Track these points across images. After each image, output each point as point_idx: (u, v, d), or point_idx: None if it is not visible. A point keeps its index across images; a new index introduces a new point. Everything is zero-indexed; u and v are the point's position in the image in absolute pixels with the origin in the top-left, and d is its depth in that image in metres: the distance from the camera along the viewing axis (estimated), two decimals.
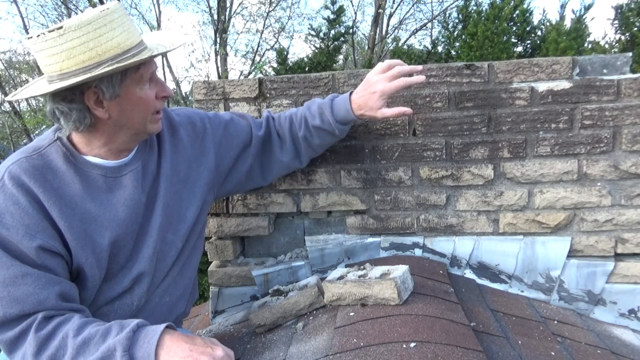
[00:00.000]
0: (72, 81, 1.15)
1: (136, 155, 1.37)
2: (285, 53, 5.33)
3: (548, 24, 4.78)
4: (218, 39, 10.72)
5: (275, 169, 1.69)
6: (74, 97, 1.20)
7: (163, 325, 1.17)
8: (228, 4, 11.40)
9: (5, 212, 1.17)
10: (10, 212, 1.17)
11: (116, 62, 1.17)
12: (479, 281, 1.81)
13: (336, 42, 5.35)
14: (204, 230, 1.62)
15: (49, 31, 1.14)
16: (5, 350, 1.19)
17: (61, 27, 1.13)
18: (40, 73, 1.27)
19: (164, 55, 1.30)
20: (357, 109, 1.51)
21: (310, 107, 1.60)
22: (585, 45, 4.57)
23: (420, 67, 1.54)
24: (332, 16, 5.34)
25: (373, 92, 1.48)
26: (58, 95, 1.20)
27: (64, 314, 1.19)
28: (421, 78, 1.50)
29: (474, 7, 5.14)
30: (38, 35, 1.16)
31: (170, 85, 11.42)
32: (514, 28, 4.72)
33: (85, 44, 1.15)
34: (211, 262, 1.95)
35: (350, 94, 1.55)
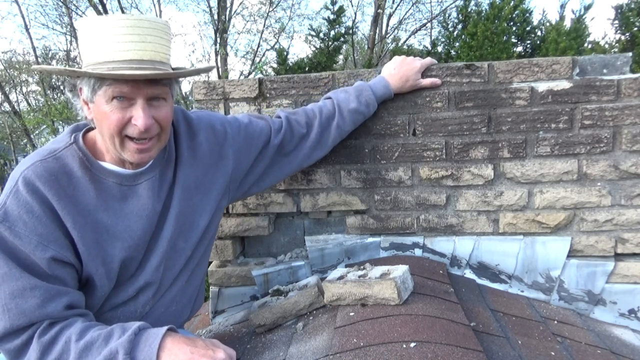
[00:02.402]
0: (58, 68, 1.25)
1: (153, 164, 1.34)
2: (285, 53, 5.32)
3: (548, 24, 4.77)
4: (218, 39, 10.73)
5: (292, 166, 1.67)
6: (73, 89, 1.25)
7: (165, 328, 1.16)
8: (228, 4, 11.42)
9: (18, 220, 1.15)
10: (24, 221, 1.15)
11: (91, 68, 1.17)
12: (479, 281, 1.81)
13: (336, 43, 5.35)
14: (214, 236, 1.60)
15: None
16: (10, 359, 1.19)
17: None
18: (42, 73, 1.31)
19: (129, 77, 1.17)
20: (397, 82, 1.72)
21: (337, 96, 1.70)
22: (585, 45, 4.56)
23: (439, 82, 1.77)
24: (332, 16, 5.34)
25: (414, 66, 1.73)
26: (68, 86, 1.28)
27: (68, 319, 1.19)
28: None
29: (474, 7, 5.13)
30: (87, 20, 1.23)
31: None
32: (514, 28, 4.71)
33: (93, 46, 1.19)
34: (211, 262, 1.95)
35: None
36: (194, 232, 1.42)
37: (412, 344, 1.14)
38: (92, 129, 1.32)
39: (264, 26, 12.39)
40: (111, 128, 1.19)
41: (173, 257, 1.39)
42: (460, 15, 5.29)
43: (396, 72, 1.73)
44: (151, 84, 1.20)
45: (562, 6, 4.78)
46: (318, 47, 5.37)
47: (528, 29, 4.77)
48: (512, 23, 4.69)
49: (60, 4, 11.14)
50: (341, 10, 5.41)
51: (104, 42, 1.16)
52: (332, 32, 5.32)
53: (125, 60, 1.16)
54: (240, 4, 12.54)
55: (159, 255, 1.35)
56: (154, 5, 12.01)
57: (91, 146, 1.29)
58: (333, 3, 5.35)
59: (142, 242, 1.31)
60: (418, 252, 1.84)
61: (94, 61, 1.17)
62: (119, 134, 1.20)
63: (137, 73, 1.16)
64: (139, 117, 1.19)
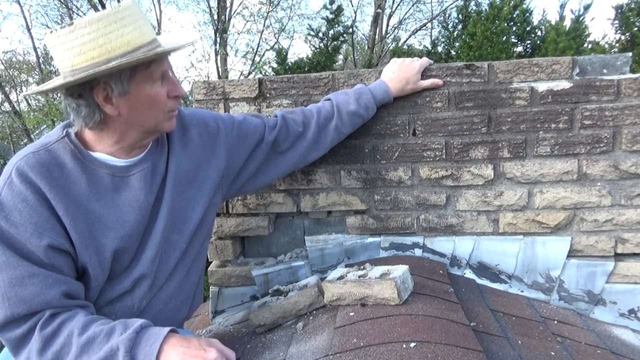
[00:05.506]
0: (80, 76, 1.15)
1: (147, 156, 1.36)
2: (285, 53, 5.33)
3: (547, 24, 4.77)
4: (218, 39, 10.73)
5: (288, 165, 1.67)
6: (83, 93, 1.20)
7: (167, 330, 1.16)
8: (228, 4, 11.42)
9: (13, 209, 1.17)
10: (19, 210, 1.17)
11: (125, 59, 1.17)
12: (479, 281, 1.81)
13: (335, 42, 5.35)
14: (210, 233, 1.60)
15: (61, 27, 1.16)
16: (11, 349, 1.19)
17: (72, 24, 1.15)
18: (42, 73, 1.28)
19: (173, 51, 1.30)
20: (398, 85, 1.73)
21: (336, 98, 1.70)
22: (585, 45, 4.57)
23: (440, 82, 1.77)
24: (330, 16, 5.35)
25: (412, 67, 1.73)
26: (68, 91, 1.20)
27: (70, 309, 1.20)
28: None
29: (474, 7, 5.14)
30: (51, 32, 1.17)
31: None
32: (514, 28, 4.72)
33: (94, 41, 1.15)
34: (211, 262, 1.95)
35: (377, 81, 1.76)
36: (187, 226, 1.43)
37: (412, 344, 1.14)
38: None
39: (264, 26, 12.41)
40: (159, 106, 1.27)
41: (167, 251, 1.40)
42: (460, 15, 5.29)
43: (396, 75, 1.73)
44: (166, 59, 1.29)
45: (562, 6, 4.78)
46: (317, 46, 5.37)
47: (528, 29, 4.78)
48: (512, 23, 4.70)
49: (61, 2, 11.14)
50: (340, 9, 5.42)
51: (118, 33, 1.17)
52: (331, 32, 5.33)
53: (149, 42, 1.23)
54: (240, 4, 12.54)
55: (154, 247, 1.35)
56: (154, 5, 12.01)
57: (83, 139, 1.31)
58: (332, 2, 5.36)
59: (135, 232, 1.32)
60: (418, 252, 1.84)
61: (117, 53, 1.17)
62: (164, 110, 1.29)
63: (169, 47, 1.25)
64: (176, 86, 1.31)
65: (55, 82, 1.22)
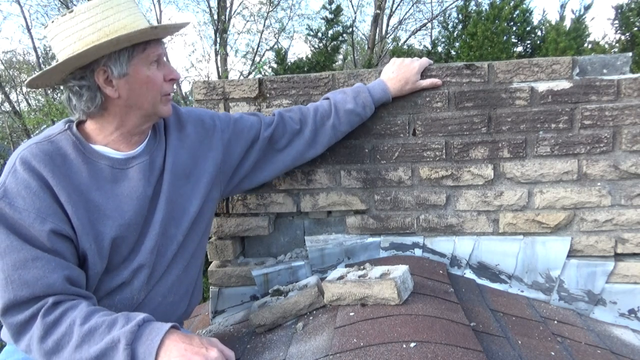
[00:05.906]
0: (81, 51, 1.20)
1: (145, 149, 1.41)
2: (284, 53, 5.33)
3: (548, 24, 4.77)
4: (218, 39, 10.73)
5: (285, 162, 1.70)
6: (84, 75, 1.26)
7: (169, 325, 1.17)
8: (228, 4, 11.42)
9: (17, 196, 1.20)
10: (22, 196, 1.20)
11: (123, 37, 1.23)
12: (479, 281, 1.81)
13: (335, 42, 5.35)
14: (208, 230, 1.62)
15: (62, 15, 1.23)
16: (13, 334, 1.21)
17: (72, 11, 1.23)
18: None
19: (167, 31, 1.37)
20: (396, 85, 1.73)
21: (334, 96, 1.71)
22: (585, 45, 4.56)
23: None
24: (330, 16, 5.35)
25: (412, 67, 1.73)
26: (70, 75, 1.27)
27: (73, 299, 1.22)
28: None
29: (474, 7, 5.14)
30: (53, 21, 1.24)
31: None
32: (514, 28, 4.71)
33: (93, 25, 1.22)
34: (211, 262, 1.95)
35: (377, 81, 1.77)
36: (184, 219, 1.46)
37: (412, 344, 1.14)
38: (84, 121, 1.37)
39: (264, 26, 12.40)
40: (157, 88, 1.33)
41: (165, 243, 1.43)
42: (460, 15, 5.29)
43: (395, 75, 1.74)
44: (161, 44, 1.36)
45: (562, 6, 4.78)
46: (317, 46, 5.37)
47: (528, 29, 4.77)
48: (512, 23, 4.69)
49: (61, 2, 11.13)
50: (339, 9, 5.42)
51: (114, 17, 1.24)
52: (330, 32, 5.33)
53: (145, 28, 1.28)
54: (240, 4, 12.54)
55: (153, 238, 1.39)
56: (154, 5, 12.01)
57: (84, 132, 1.36)
58: (330, 3, 5.36)
59: (133, 222, 1.35)
60: (418, 252, 1.84)
61: (118, 35, 1.22)
62: (161, 92, 1.35)
63: (176, 24, 1.34)
64: (172, 70, 1.37)
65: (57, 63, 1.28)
